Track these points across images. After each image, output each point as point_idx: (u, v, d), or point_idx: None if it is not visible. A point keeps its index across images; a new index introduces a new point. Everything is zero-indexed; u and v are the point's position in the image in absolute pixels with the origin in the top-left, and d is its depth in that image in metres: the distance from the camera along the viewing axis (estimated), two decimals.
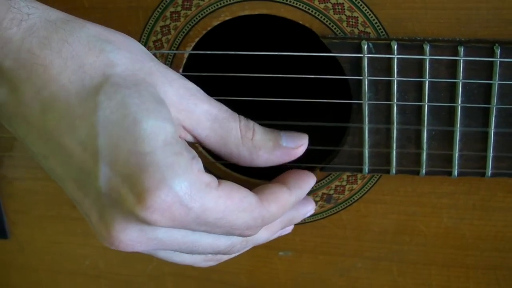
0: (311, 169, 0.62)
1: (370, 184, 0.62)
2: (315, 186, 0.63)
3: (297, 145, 0.55)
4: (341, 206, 0.64)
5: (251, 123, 0.54)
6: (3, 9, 0.46)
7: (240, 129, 0.53)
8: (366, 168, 0.60)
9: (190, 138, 0.52)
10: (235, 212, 0.48)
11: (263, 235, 0.55)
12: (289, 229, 0.61)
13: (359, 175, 0.62)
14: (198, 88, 0.52)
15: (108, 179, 0.46)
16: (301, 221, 0.64)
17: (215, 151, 0.53)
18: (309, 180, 0.57)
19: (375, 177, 0.62)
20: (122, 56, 0.48)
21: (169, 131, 0.47)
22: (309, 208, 0.61)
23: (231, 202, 0.48)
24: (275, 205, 0.52)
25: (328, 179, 0.63)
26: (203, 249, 0.51)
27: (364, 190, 0.63)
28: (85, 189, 0.47)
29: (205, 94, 0.52)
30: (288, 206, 0.54)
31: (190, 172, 0.46)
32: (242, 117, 0.53)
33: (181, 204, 0.45)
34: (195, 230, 0.48)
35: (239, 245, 0.53)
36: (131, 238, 0.47)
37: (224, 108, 0.53)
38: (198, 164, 0.48)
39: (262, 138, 0.54)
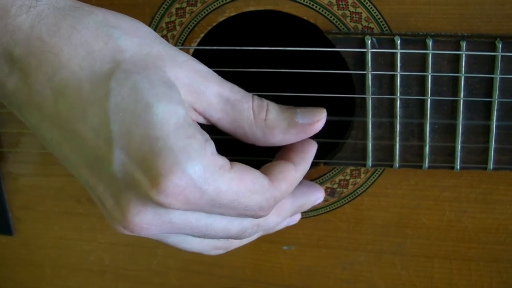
0: (315, 164, 0.62)
1: (373, 178, 0.63)
2: (320, 180, 0.63)
3: (313, 120, 0.54)
4: (344, 200, 0.65)
5: (265, 102, 0.53)
6: None
7: (253, 109, 0.52)
8: (369, 162, 0.61)
9: (202, 120, 0.52)
10: (248, 194, 0.49)
11: (273, 220, 0.55)
12: (296, 218, 0.61)
13: (362, 169, 0.63)
14: (209, 70, 0.52)
15: (122, 164, 0.46)
16: (305, 215, 0.65)
17: (230, 133, 0.53)
18: (311, 150, 0.56)
19: (378, 171, 0.62)
20: (130, 41, 0.48)
21: (181, 114, 0.47)
22: (319, 196, 0.61)
23: (243, 184, 0.49)
24: (284, 183, 0.53)
25: (332, 173, 0.63)
26: (215, 233, 0.51)
27: (368, 184, 0.63)
28: (99, 175, 0.48)
29: (217, 75, 0.52)
30: (296, 182, 0.54)
31: (203, 155, 0.46)
32: (256, 97, 0.53)
33: (195, 187, 0.46)
34: (209, 212, 0.49)
35: (250, 229, 0.53)
36: (145, 221, 0.48)
37: (237, 89, 0.52)
38: (211, 147, 0.48)
39: (276, 117, 0.53)
